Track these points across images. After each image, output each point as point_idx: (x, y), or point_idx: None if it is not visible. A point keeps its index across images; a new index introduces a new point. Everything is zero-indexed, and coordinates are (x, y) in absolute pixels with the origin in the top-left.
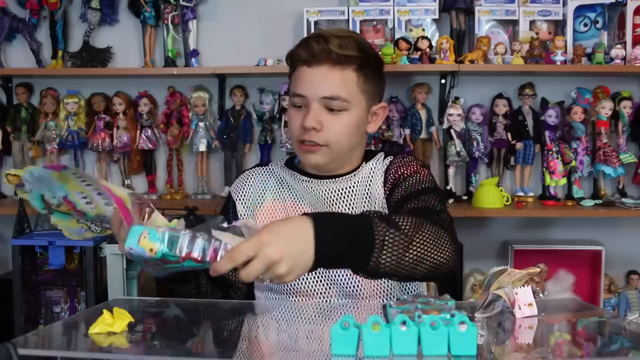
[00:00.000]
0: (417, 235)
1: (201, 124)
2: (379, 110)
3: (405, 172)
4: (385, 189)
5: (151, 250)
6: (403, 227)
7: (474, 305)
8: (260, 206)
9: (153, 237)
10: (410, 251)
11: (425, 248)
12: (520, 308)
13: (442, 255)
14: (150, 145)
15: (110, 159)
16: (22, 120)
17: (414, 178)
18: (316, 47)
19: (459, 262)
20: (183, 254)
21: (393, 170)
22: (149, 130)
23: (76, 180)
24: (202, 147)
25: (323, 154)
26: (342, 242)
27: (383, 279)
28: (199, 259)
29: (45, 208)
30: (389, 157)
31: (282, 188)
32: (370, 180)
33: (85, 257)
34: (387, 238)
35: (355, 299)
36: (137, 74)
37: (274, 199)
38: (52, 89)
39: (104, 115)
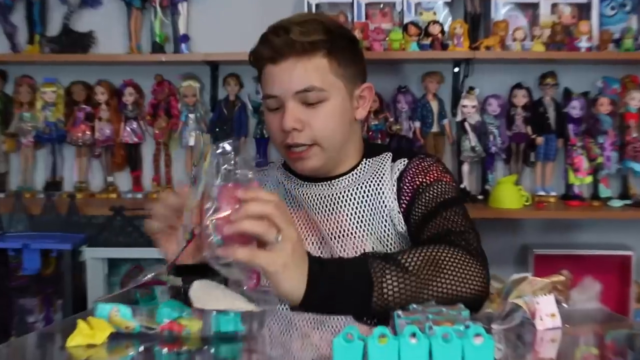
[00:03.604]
0: (432, 273)
1: (191, 116)
2: (364, 92)
3: (425, 180)
4: (402, 202)
5: (127, 327)
6: (409, 266)
7: (491, 316)
8: None
9: (125, 315)
10: (428, 291)
11: (448, 284)
12: (541, 319)
13: (470, 287)
14: (135, 139)
15: (91, 154)
16: None
17: (434, 189)
18: (277, 41)
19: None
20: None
21: (409, 179)
22: (134, 123)
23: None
24: (192, 141)
25: (315, 156)
26: (335, 281)
27: None
28: None
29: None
30: (401, 160)
31: (281, 194)
32: (377, 183)
33: (62, 261)
34: (386, 277)
35: None
36: (122, 61)
37: None
38: (28, 76)
39: (84, 106)
